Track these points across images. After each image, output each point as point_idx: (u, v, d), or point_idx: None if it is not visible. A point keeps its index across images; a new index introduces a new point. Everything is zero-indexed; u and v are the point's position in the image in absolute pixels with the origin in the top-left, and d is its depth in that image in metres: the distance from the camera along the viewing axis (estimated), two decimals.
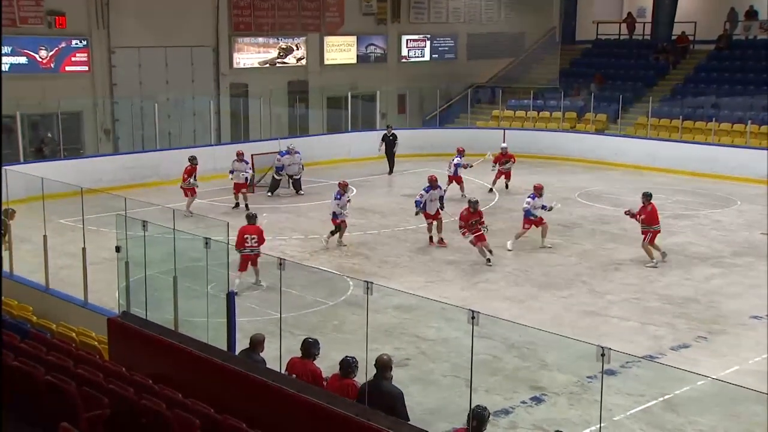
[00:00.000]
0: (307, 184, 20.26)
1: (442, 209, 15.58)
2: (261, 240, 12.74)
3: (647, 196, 14.61)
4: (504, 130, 25.58)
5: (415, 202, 15.59)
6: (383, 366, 7.17)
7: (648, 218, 14.36)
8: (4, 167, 12.92)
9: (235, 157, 18.12)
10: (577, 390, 9.49)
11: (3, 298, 10.65)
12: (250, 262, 12.66)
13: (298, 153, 19.81)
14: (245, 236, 12.63)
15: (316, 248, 15.28)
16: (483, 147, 24.31)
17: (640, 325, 11.68)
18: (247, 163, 18.30)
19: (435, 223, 15.43)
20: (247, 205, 17.69)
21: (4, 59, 20.28)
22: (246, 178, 18.11)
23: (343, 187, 15.42)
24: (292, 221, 17.52)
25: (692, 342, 11.09)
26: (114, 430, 6.13)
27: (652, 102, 24.88)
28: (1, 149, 18.36)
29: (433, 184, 15.50)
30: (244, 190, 18.06)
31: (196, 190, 17.61)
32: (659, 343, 11.00)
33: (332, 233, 15.24)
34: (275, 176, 19.80)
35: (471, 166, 19.60)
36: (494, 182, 20.32)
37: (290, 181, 19.95)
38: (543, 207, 15.38)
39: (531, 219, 15.33)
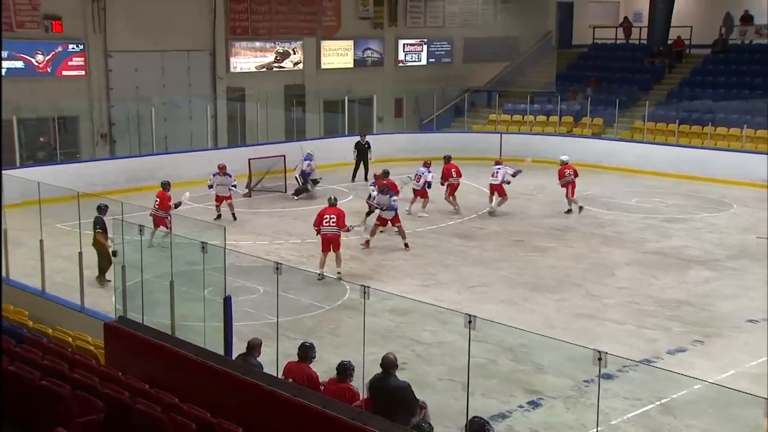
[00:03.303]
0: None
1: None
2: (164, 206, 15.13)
3: (446, 159, 18.97)
4: (501, 134, 25.63)
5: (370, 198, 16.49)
6: (389, 364, 7.30)
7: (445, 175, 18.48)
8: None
9: (217, 171, 17.33)
10: (573, 394, 9.49)
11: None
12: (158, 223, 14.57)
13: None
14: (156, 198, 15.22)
15: (313, 252, 15.27)
16: (479, 151, 24.42)
17: (636, 328, 11.70)
18: (230, 176, 17.46)
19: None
20: (234, 215, 17.36)
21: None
22: (230, 189, 17.37)
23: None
24: (288, 224, 17.52)
25: (688, 345, 11.11)
26: None
27: (648, 106, 24.95)
28: (1, 152, 18.28)
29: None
30: (230, 201, 17.38)
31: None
32: (655, 347, 11.02)
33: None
34: (304, 182, 19.92)
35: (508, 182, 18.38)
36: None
37: (311, 182, 20.10)
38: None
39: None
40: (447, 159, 19.07)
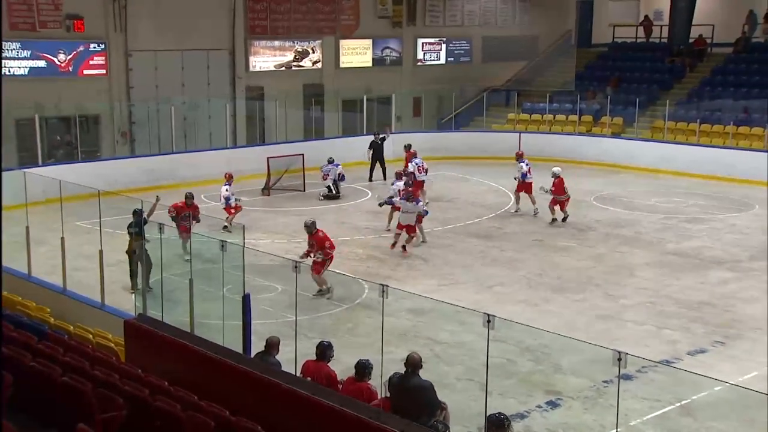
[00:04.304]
0: (320, 187, 20.29)
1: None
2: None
3: (407, 147, 19.82)
4: (519, 133, 25.56)
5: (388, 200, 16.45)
6: (414, 364, 7.34)
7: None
8: (23, 170, 13.06)
9: (228, 182, 16.83)
10: (592, 394, 9.46)
11: (22, 299, 10.79)
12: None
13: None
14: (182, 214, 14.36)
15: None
16: (498, 150, 24.35)
17: (656, 329, 11.63)
18: (229, 185, 17.01)
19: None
20: (228, 225, 16.24)
21: (24, 63, 20.52)
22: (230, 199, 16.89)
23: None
24: None
25: (709, 347, 11.02)
26: None
27: (669, 105, 24.76)
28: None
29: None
30: (239, 211, 16.82)
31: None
32: (675, 348, 10.94)
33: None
34: (337, 190, 19.99)
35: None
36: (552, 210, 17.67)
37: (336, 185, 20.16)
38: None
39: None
40: (407, 147, 19.78)
